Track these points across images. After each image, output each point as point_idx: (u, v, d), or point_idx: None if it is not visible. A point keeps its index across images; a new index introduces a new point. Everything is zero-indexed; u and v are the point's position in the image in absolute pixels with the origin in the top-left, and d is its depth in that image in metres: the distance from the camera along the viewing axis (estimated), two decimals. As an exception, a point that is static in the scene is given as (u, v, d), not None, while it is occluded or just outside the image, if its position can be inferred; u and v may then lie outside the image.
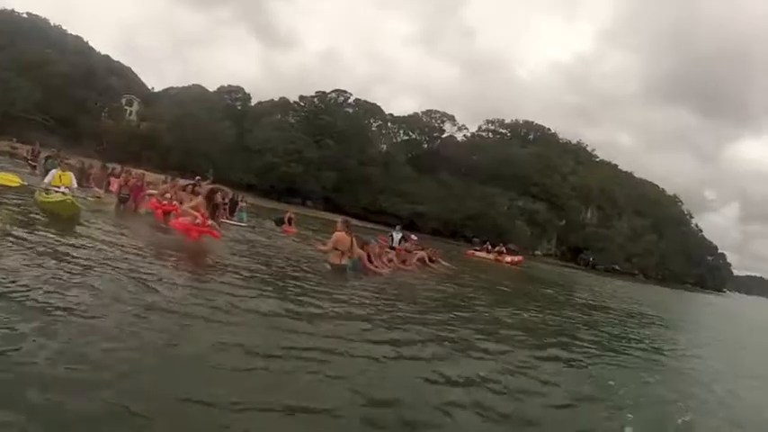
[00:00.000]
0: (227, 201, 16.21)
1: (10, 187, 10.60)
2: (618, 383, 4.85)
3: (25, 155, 22.91)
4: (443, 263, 15.80)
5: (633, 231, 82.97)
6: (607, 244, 77.46)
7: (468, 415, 3.32)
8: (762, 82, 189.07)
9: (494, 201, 67.47)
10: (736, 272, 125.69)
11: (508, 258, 28.16)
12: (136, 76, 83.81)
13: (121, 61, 79.60)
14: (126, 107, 71.81)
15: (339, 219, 9.07)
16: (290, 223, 17.61)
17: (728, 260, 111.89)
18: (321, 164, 62.04)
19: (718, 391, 5.61)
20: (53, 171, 9.71)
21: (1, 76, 53.24)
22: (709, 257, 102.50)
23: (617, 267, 77.49)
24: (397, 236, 16.17)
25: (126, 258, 5.85)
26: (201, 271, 6.26)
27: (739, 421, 4.63)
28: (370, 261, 9.50)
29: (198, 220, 8.05)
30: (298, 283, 6.57)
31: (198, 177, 13.29)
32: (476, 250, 30.05)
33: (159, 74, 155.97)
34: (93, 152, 50.80)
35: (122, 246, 6.64)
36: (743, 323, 22.85)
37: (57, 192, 9.20)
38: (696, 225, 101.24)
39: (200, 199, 8.56)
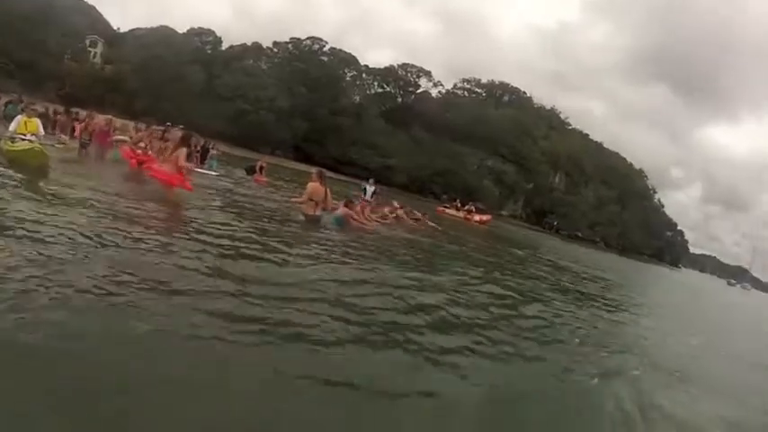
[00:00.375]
0: (198, 148, 15.80)
1: None
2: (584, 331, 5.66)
3: None
4: (429, 222, 16.01)
5: (598, 200, 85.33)
6: (572, 210, 79.50)
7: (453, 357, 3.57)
8: (742, 72, 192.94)
9: (464, 159, 68.09)
10: (692, 249, 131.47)
11: (477, 217, 28.99)
12: (100, 15, 79.77)
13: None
14: (90, 48, 68.52)
15: (314, 170, 9.04)
16: (261, 172, 17.35)
17: (686, 237, 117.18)
18: (293, 112, 60.97)
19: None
20: (18, 117, 9.08)
21: None
22: (668, 233, 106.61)
23: (579, 234, 79.82)
24: (369, 188, 16.65)
25: (97, 212, 5.36)
26: (175, 227, 5.81)
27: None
28: (353, 218, 9.68)
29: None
30: (273, 237, 6.37)
31: (168, 123, 12.51)
32: (446, 207, 30.77)
33: (125, 13, 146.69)
34: (54, 96, 48.92)
35: (93, 199, 6.09)
36: (691, 293, 25.02)
37: (23, 140, 8.67)
38: (659, 200, 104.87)
39: (183, 150, 8.18)
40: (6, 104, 16.49)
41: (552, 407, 3.28)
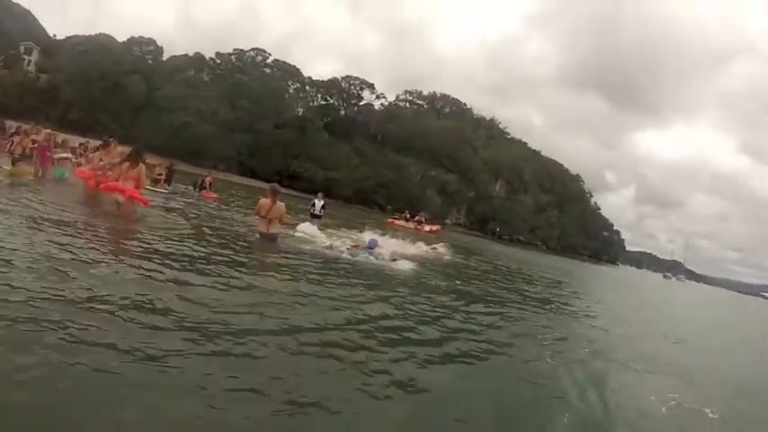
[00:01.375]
0: (164, 170, 15.94)
1: None
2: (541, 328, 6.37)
3: None
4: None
5: (537, 205, 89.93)
6: (513, 216, 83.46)
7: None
8: (668, 81, 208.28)
9: (407, 170, 70.01)
10: (629, 247, 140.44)
11: (427, 227, 29.48)
12: (36, 20, 77.38)
13: (20, 3, 73.32)
14: (24, 56, 66.32)
15: (267, 186, 8.84)
16: (209, 188, 16.85)
17: (623, 236, 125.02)
18: (235, 125, 61.07)
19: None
20: None
21: None
22: (605, 233, 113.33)
23: (521, 238, 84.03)
24: (319, 203, 16.76)
25: (51, 231, 5.27)
26: (133, 248, 5.60)
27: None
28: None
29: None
30: (227, 257, 6.21)
31: (111, 137, 11.75)
32: (395, 219, 31.25)
33: (62, 20, 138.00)
34: None
35: (43, 219, 5.89)
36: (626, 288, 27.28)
37: None
38: (595, 203, 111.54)
39: (142, 166, 8.50)
40: None
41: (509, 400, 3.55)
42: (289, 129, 63.69)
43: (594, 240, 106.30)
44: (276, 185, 8.58)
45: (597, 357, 5.34)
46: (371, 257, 8.89)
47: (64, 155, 12.49)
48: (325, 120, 68.33)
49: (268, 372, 2.89)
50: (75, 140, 16.00)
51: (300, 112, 68.18)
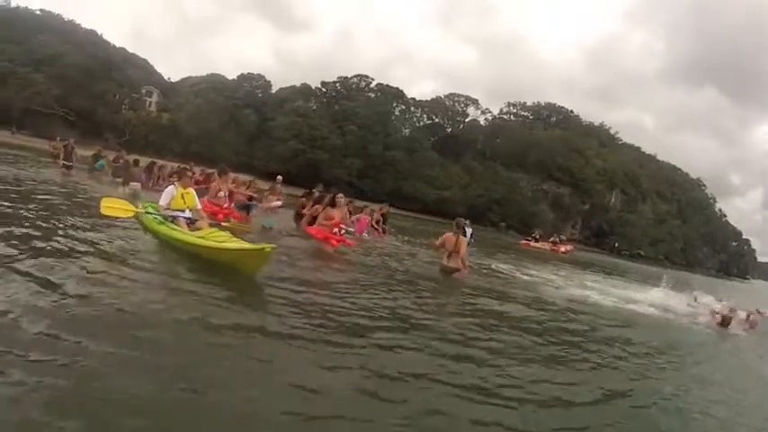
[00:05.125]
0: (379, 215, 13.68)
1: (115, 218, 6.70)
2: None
3: (51, 150, 19.42)
4: None
5: (657, 216, 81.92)
6: (631, 229, 76.48)
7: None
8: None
9: (518, 185, 66.98)
10: (760, 258, 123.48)
11: (562, 248, 29.81)
12: (152, 66, 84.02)
13: (137, 53, 79.99)
14: (145, 98, 71.85)
15: (454, 221, 8.71)
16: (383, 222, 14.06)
17: (752, 246, 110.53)
18: (345, 150, 61.69)
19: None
20: (170, 189, 6.87)
21: (18, 71, 53.47)
22: (733, 243, 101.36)
23: (641, 253, 76.42)
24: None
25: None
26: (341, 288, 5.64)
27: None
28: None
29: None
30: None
31: (226, 166, 10.16)
32: (529, 241, 31.46)
33: (173, 64, 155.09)
34: (115, 144, 51.10)
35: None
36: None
37: (181, 218, 6.60)
38: (720, 210, 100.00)
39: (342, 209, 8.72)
40: (95, 157, 16.11)
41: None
42: (397, 150, 63.20)
43: (722, 252, 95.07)
44: (462, 220, 8.66)
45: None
46: None
47: (277, 202, 11.41)
48: (432, 139, 67.22)
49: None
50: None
51: (407, 133, 67.47)
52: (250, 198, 10.38)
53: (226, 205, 9.21)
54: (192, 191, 7.00)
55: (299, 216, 10.94)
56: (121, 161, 14.83)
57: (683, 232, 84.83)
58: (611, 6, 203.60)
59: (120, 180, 13.37)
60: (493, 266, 11.53)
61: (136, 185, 12.86)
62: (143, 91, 71.88)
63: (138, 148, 40.75)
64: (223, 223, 7.69)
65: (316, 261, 7.31)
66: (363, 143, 62.12)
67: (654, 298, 10.11)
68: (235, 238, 5.80)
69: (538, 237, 31.73)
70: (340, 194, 9.42)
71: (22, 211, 6.60)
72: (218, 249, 5.44)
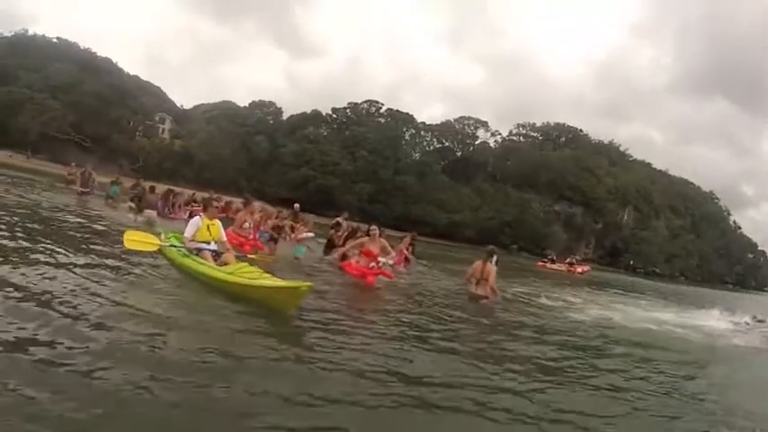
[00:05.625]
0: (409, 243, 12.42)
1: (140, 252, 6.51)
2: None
3: (66, 176, 19.54)
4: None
5: (671, 231, 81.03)
6: (646, 246, 75.63)
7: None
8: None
9: (530, 206, 66.70)
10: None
11: (579, 269, 29.89)
12: (165, 94, 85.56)
13: (150, 80, 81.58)
14: (158, 125, 73.07)
15: (486, 249, 8.91)
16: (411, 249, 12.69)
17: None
18: (356, 175, 62.21)
19: None
20: (196, 220, 6.66)
21: (35, 97, 54.78)
22: (749, 255, 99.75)
23: (657, 270, 75.45)
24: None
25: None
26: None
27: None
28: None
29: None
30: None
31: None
32: (545, 263, 31.64)
33: (185, 90, 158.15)
34: (130, 171, 51.98)
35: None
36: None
37: (206, 250, 6.38)
38: (734, 222, 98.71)
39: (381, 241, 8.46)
40: (113, 184, 16.20)
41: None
42: (408, 174, 63.52)
43: (738, 265, 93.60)
44: (494, 248, 8.84)
45: None
46: None
47: (308, 234, 11.18)
48: (442, 162, 67.51)
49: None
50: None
51: (418, 157, 67.84)
52: (277, 229, 10.13)
53: (251, 237, 9.20)
54: (217, 222, 6.78)
55: (330, 247, 10.71)
56: (138, 188, 14.99)
57: (697, 247, 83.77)
58: (618, 20, 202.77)
59: (134, 206, 13.47)
60: (517, 291, 10.95)
61: (151, 213, 12.84)
62: (156, 118, 73.10)
63: (151, 175, 41.31)
64: (249, 255, 7.46)
65: (347, 293, 7.30)
66: (374, 168, 62.61)
67: (713, 323, 9.63)
68: (266, 274, 5.67)
69: (554, 258, 32.24)
70: (374, 227, 8.92)
71: (39, 244, 6.46)
72: (250, 287, 5.32)
